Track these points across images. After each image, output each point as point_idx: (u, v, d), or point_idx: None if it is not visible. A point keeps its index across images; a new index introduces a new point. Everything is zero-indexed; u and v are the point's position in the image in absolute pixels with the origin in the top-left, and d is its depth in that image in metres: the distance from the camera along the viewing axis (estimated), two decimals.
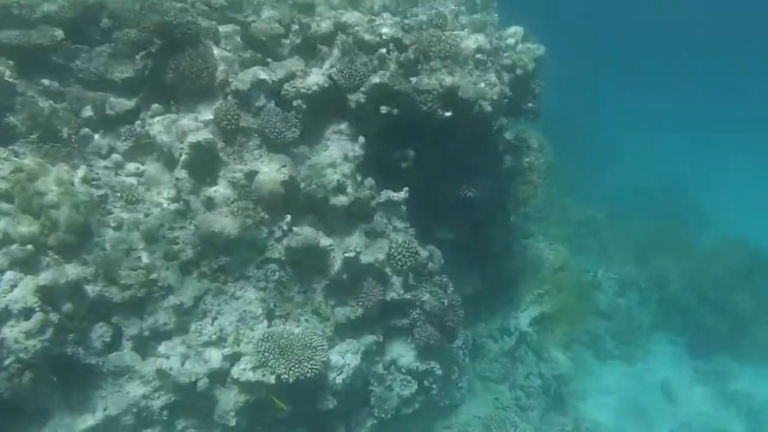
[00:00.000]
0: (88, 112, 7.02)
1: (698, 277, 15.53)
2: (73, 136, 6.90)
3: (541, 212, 13.27)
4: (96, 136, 7.05)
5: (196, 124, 6.73)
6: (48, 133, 6.66)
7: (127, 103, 7.22)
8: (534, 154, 10.40)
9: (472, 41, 8.12)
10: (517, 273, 11.63)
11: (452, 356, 8.78)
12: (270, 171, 6.57)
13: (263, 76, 7.14)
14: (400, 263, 7.30)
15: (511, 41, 9.34)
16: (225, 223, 6.36)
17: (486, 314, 11.00)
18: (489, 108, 7.83)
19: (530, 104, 9.44)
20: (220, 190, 6.65)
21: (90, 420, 6.00)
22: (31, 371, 5.67)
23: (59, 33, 6.90)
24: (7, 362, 5.49)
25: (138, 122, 7.13)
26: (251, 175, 6.61)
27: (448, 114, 7.61)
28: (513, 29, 9.51)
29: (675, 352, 14.72)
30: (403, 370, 7.62)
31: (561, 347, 11.86)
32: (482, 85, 7.88)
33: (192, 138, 6.49)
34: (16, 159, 6.27)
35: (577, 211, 16.39)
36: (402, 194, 7.59)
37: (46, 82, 6.87)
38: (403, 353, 7.65)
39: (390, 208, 7.60)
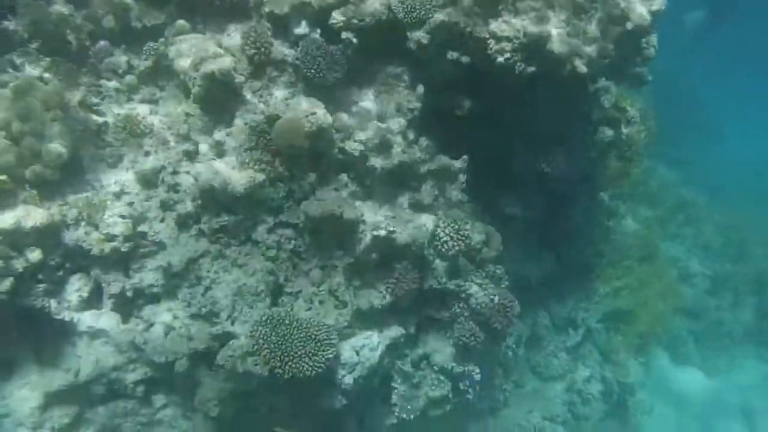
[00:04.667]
0: (110, 22, 5.93)
1: None
2: (90, 48, 5.91)
3: (635, 190, 11.45)
4: (115, 51, 6.02)
5: (215, 50, 5.49)
6: (53, 43, 5.64)
7: (157, 15, 6.08)
8: (634, 126, 8.61)
9: None
10: (596, 259, 10.00)
11: (497, 357, 7.47)
12: (296, 117, 5.29)
13: None
14: (445, 247, 5.97)
15: None
16: (229, 175, 5.19)
17: (553, 301, 9.55)
18: (584, 68, 6.11)
19: (638, 68, 7.60)
20: (233, 133, 5.46)
21: (58, 381, 5.19)
22: None
23: None
24: None
25: (162, 40, 6.00)
26: (273, 119, 5.36)
27: (530, 70, 5.99)
28: None
29: (765, 370, 12.71)
30: (436, 368, 6.38)
31: (633, 350, 10.30)
32: (579, 38, 6.20)
33: (206, 67, 5.28)
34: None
35: (676, 190, 14.37)
36: (460, 162, 6.18)
37: None
38: (438, 348, 6.36)
39: (444, 177, 6.22)
